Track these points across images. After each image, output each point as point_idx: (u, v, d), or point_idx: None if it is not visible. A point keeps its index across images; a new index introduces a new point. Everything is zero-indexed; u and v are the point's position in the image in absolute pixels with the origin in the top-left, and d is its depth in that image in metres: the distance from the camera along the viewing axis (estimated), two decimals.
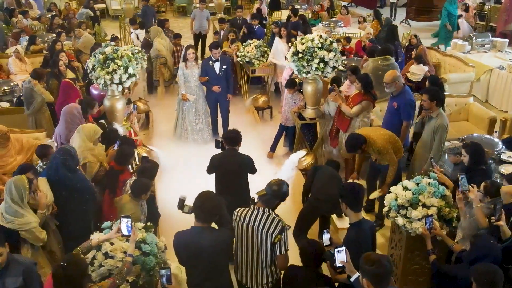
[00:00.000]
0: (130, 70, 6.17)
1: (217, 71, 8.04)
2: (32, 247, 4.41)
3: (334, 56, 6.74)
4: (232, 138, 5.40)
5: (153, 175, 4.92)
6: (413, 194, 4.64)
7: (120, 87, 6.28)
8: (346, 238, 4.00)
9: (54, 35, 10.95)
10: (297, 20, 11.41)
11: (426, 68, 8.45)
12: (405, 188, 4.74)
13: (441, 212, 4.58)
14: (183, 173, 7.26)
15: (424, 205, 4.60)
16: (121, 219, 3.72)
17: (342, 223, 5.81)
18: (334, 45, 6.78)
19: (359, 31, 12.43)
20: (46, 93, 7.00)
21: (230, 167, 5.32)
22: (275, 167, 7.73)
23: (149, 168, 4.98)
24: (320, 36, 6.79)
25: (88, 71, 6.31)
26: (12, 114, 7.29)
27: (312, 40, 6.71)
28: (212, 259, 3.73)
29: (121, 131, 6.21)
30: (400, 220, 4.64)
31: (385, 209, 4.82)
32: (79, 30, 11.03)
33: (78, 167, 4.90)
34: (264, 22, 13.48)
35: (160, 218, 5.93)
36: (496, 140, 6.68)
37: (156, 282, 4.03)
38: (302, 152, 7.11)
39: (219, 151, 5.64)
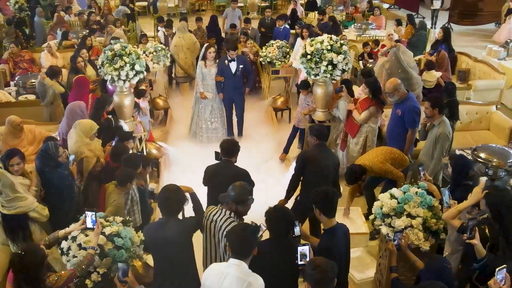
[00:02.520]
0: (137, 67, 6.27)
1: (233, 70, 8.08)
2: (40, 227, 4.69)
3: (344, 59, 6.62)
4: (228, 149, 5.00)
5: (137, 165, 4.98)
6: (398, 203, 4.52)
7: (127, 84, 6.41)
8: (319, 244, 3.93)
9: (88, 31, 11.34)
10: (326, 22, 11.31)
11: (438, 74, 8.18)
12: (392, 196, 4.62)
13: (426, 223, 4.43)
14: (193, 171, 7.29)
15: (409, 215, 4.47)
16: (86, 212, 3.83)
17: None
18: (344, 47, 6.66)
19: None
20: (56, 84, 7.32)
21: (223, 180, 4.74)
22: (287, 169, 7.68)
23: (133, 158, 5.06)
24: (330, 38, 6.68)
25: (98, 67, 6.50)
26: (32, 106, 7.62)
27: (322, 42, 6.62)
28: (176, 251, 3.80)
29: (126, 127, 6.34)
30: (384, 229, 4.54)
31: (371, 217, 4.72)
32: (111, 27, 11.37)
33: (72, 162, 5.09)
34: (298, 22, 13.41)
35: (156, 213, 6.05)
36: (511, 151, 6.38)
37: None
38: None
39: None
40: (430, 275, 3.55)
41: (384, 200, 4.61)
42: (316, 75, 6.72)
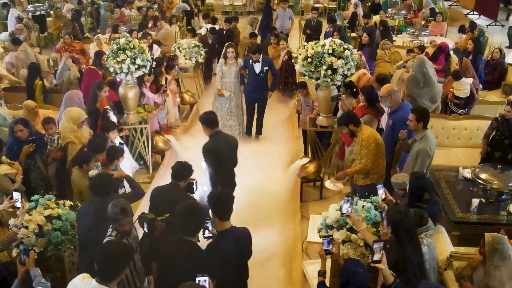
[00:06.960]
0: (138, 61, 6.51)
1: (257, 71, 8.13)
2: None
3: (346, 64, 6.40)
4: (176, 172, 4.54)
5: (100, 149, 5.23)
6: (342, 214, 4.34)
7: (129, 77, 6.68)
8: (207, 245, 3.82)
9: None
10: (371, 25, 10.98)
11: (470, 80, 7.68)
12: (340, 208, 4.44)
13: None
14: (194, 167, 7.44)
15: (351, 229, 4.28)
16: (13, 192, 4.09)
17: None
18: (347, 52, 6.43)
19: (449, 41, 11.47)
20: (75, 68, 7.82)
21: (164, 203, 4.31)
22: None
23: (98, 142, 5.32)
24: (334, 42, 6.50)
25: (104, 59, 6.84)
26: (55, 93, 8.20)
27: (323, 45, 6.46)
28: (87, 232, 4.01)
29: (115, 119, 6.61)
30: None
31: (318, 227, 4.57)
32: (161, 22, 11.85)
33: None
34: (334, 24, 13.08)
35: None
36: None
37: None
38: (304, 159, 6.94)
39: None
40: (343, 277, 3.49)
41: (331, 211, 4.46)
42: (317, 79, 6.57)
